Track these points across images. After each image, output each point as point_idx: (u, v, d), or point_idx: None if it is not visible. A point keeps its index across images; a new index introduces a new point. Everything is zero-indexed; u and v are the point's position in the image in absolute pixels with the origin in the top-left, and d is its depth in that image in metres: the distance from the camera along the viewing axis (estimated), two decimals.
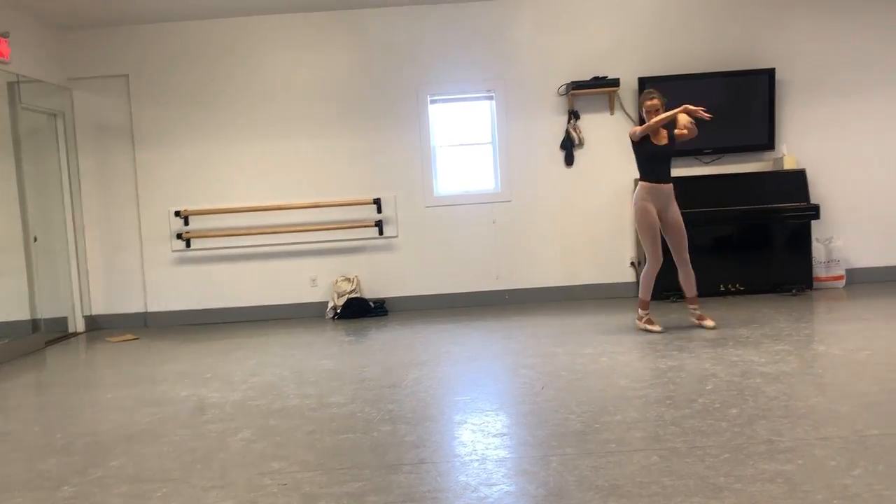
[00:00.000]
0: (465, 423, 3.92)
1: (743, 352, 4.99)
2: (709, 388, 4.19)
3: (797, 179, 7.25)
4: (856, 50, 7.42)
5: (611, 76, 7.37)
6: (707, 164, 7.48)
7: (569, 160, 7.58)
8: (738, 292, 7.14)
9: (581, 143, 7.55)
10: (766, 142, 7.37)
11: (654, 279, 5.79)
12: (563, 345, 5.57)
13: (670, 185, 5.70)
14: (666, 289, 7.21)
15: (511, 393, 4.46)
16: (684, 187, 7.35)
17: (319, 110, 7.58)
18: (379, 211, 7.57)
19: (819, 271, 7.28)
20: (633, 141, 5.67)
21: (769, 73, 7.29)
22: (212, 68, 7.57)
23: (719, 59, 7.42)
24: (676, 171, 7.46)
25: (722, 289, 7.16)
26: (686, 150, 7.36)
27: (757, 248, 7.20)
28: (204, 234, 7.58)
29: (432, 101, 7.63)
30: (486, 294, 7.63)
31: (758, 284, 7.13)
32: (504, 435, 3.68)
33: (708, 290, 7.15)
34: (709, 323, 5.81)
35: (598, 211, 7.60)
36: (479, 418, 3.94)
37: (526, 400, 4.25)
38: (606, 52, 7.48)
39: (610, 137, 7.55)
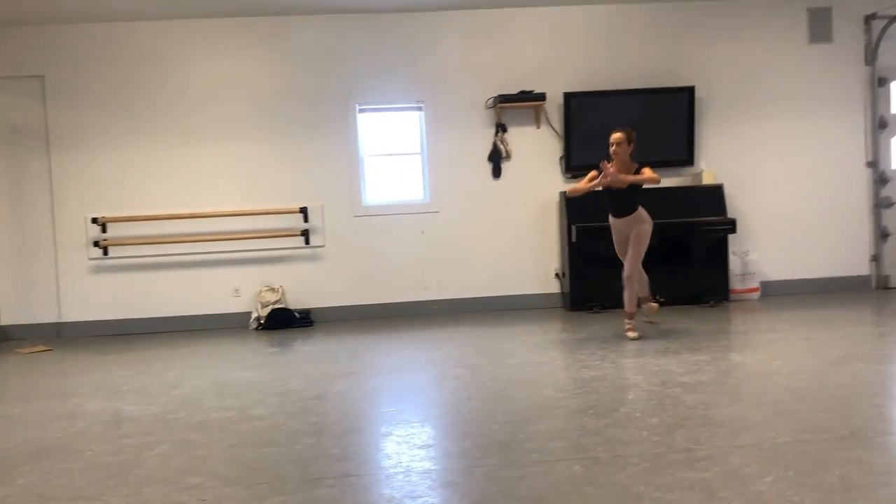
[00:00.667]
0: (391, 434, 3.88)
1: (663, 361, 5.11)
2: (630, 397, 4.27)
3: (715, 194, 7.49)
4: (769, 71, 7.74)
5: (537, 91, 7.48)
6: None
7: (496, 172, 7.65)
8: (659, 303, 7.30)
9: (508, 156, 7.63)
10: (686, 157, 7.60)
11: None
12: (489, 355, 5.59)
13: (623, 219, 5.86)
14: (589, 299, 7.34)
15: (437, 404, 4.45)
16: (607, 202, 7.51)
17: (245, 117, 7.45)
18: (306, 220, 7.48)
19: (735, 283, 7.53)
20: None
21: (689, 92, 7.52)
22: (134, 71, 7.36)
23: (643, 77, 7.62)
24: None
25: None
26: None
27: (677, 260, 7.40)
28: (123, 242, 7.34)
29: (361, 110, 7.60)
30: (414, 304, 7.61)
31: (678, 295, 7.32)
32: (429, 446, 3.66)
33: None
34: (632, 334, 5.94)
35: (525, 222, 7.70)
36: (405, 430, 3.92)
37: (451, 411, 4.24)
38: (533, 66, 7.59)
39: (536, 151, 7.66)
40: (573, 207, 7.44)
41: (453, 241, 7.65)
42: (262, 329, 7.23)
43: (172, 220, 7.37)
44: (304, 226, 7.47)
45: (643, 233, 5.83)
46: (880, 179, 7.85)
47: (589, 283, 7.39)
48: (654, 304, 6.30)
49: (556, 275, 7.72)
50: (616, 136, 5.73)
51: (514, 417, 4.00)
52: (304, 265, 7.56)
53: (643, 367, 5.00)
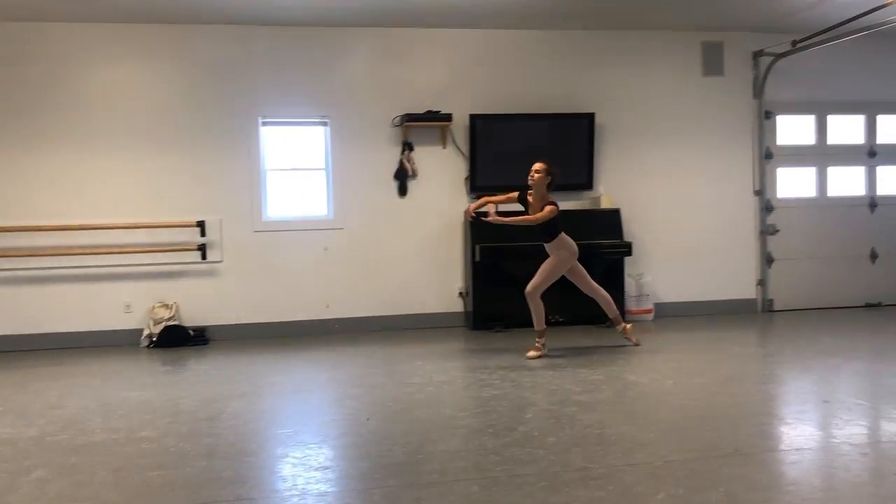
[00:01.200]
0: (287, 456, 3.79)
1: (561, 381, 5.19)
2: (529, 416, 4.31)
3: (612, 218, 7.71)
4: (666, 101, 8.05)
5: (444, 111, 7.54)
6: None
7: (402, 190, 7.64)
8: (557, 323, 7.43)
9: (414, 175, 7.64)
10: (586, 182, 7.79)
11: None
12: (390, 375, 5.55)
13: (546, 245, 6.06)
14: (491, 318, 7.40)
15: (335, 424, 4.37)
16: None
17: (142, 126, 7.19)
18: (203, 234, 7.25)
19: (631, 305, 7.76)
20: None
21: (590, 118, 7.74)
22: (22, 74, 6.99)
23: (547, 102, 7.78)
24: (503, 206, 7.72)
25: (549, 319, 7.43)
26: (513, 187, 7.60)
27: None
28: (7, 254, 6.92)
29: (264, 123, 7.45)
30: (315, 323, 7.49)
31: (577, 316, 7.47)
32: (326, 468, 3.59)
33: (529, 320, 7.38)
34: (532, 353, 6.01)
35: (430, 241, 7.71)
36: (301, 451, 3.82)
37: (350, 431, 4.18)
38: (440, 87, 7.65)
39: (442, 170, 7.70)
40: (477, 227, 7.49)
41: (357, 259, 7.58)
42: (154, 347, 6.95)
43: (61, 232, 7.00)
44: (201, 240, 7.24)
45: (556, 260, 6.01)
46: (766, 207, 8.27)
47: (492, 303, 7.46)
48: (626, 325, 6.38)
49: (460, 294, 7.75)
50: (537, 165, 5.93)
51: (414, 438, 3.97)
52: (200, 281, 7.32)
53: (542, 386, 5.07)
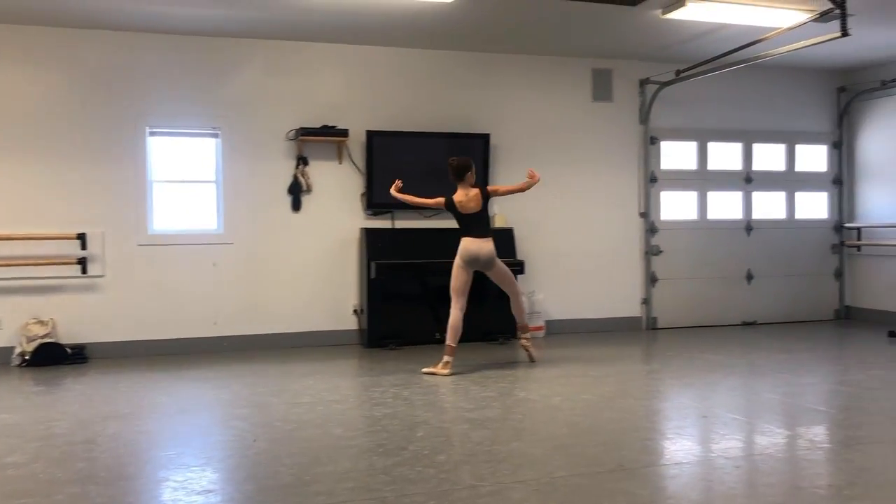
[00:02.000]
0: (167, 480, 3.63)
1: (454, 398, 5.21)
2: (419, 434, 4.30)
3: (506, 237, 7.83)
4: (558, 124, 8.27)
5: (340, 126, 7.48)
6: (428, 217, 7.82)
7: (296, 205, 7.52)
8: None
9: (309, 189, 7.54)
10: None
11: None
12: (279, 394, 5.42)
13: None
14: (386, 336, 7.36)
15: (220, 446, 4.23)
16: (406, 240, 7.64)
17: (19, 132, 6.79)
18: (83, 247, 6.90)
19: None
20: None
21: (485, 139, 7.86)
22: None
23: (443, 121, 7.86)
24: (399, 223, 7.75)
25: (437, 337, 7.44)
26: (409, 205, 7.63)
27: (469, 299, 7.60)
28: None
29: (152, 134, 7.19)
30: (202, 341, 7.24)
31: (470, 333, 7.49)
32: (209, 492, 3.46)
33: (423, 338, 7.43)
34: (441, 364, 6.05)
35: (324, 257, 7.61)
36: (183, 475, 3.68)
37: (236, 453, 4.05)
38: (337, 102, 7.59)
39: (338, 186, 7.63)
40: (373, 244, 7.47)
41: (247, 275, 7.39)
42: (27, 366, 6.54)
43: None
44: (82, 253, 6.89)
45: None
46: (650, 229, 8.61)
47: (387, 320, 7.42)
48: (526, 343, 6.54)
49: (355, 311, 7.68)
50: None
51: (303, 459, 3.89)
52: (79, 296, 6.96)
53: (434, 403, 5.07)
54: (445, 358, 6.02)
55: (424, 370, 6.05)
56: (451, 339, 6.08)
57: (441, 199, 6.22)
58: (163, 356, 6.98)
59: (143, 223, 7.11)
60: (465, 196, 6.17)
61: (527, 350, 6.53)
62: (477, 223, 6.17)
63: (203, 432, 4.59)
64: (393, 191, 6.36)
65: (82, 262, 6.87)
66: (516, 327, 6.62)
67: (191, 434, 4.54)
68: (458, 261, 6.15)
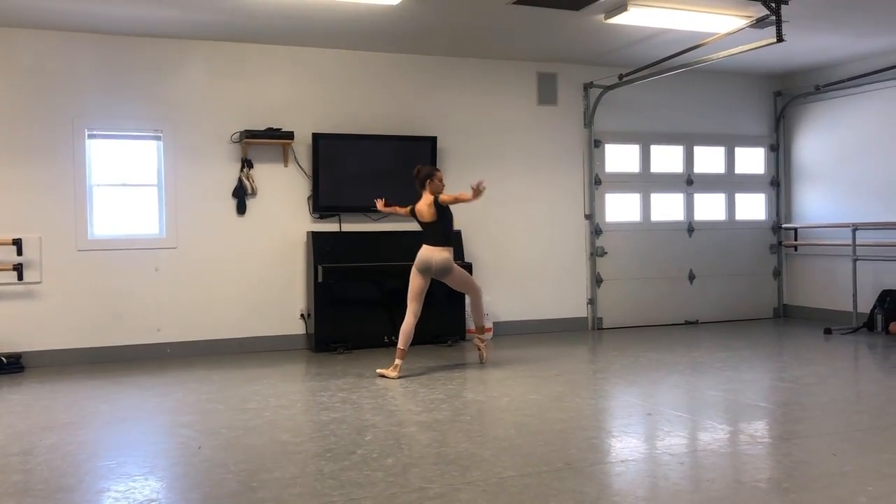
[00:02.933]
0: (108, 490, 3.55)
1: (402, 401, 5.20)
2: (368, 438, 4.28)
3: (454, 239, 7.84)
4: (504, 127, 8.33)
5: (286, 128, 7.41)
6: (375, 220, 7.80)
7: (241, 208, 7.42)
8: (395, 344, 7.44)
9: (254, 192, 7.44)
10: None
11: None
12: (225, 400, 5.34)
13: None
14: (334, 340, 7.31)
15: (164, 455, 4.15)
16: (353, 243, 7.60)
17: None
18: (19, 253, 6.69)
19: (470, 323, 7.89)
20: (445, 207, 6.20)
21: (432, 141, 7.87)
22: None
23: (391, 124, 7.84)
24: (346, 227, 7.71)
25: (386, 340, 7.43)
26: (356, 208, 7.62)
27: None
28: None
29: (91, 136, 7.01)
30: (145, 347, 7.08)
31: (418, 335, 7.47)
32: (153, 501, 3.39)
33: (372, 341, 7.40)
34: (392, 367, 6.05)
35: (271, 261, 7.52)
36: (125, 485, 3.59)
37: (180, 461, 3.98)
38: (282, 104, 7.52)
39: (284, 189, 7.55)
40: (320, 247, 7.41)
41: (191, 280, 7.26)
42: None
43: None
44: (18, 259, 6.68)
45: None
46: (595, 231, 8.73)
47: (335, 324, 7.37)
48: (479, 343, 6.65)
49: (302, 315, 7.61)
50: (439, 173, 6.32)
51: (249, 465, 3.84)
52: (15, 303, 6.74)
53: (382, 407, 5.05)
54: (396, 361, 6.01)
55: (379, 371, 6.05)
56: (402, 342, 6.08)
57: (409, 208, 6.33)
58: (104, 364, 6.81)
59: (83, 228, 6.93)
60: (423, 204, 6.21)
61: (479, 350, 6.62)
62: (432, 232, 6.19)
63: (146, 441, 4.49)
64: (381, 208, 6.61)
65: (18, 269, 6.65)
66: (474, 328, 6.74)
67: (133, 443, 4.44)
68: (413, 267, 6.18)
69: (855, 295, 8.22)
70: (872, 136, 8.48)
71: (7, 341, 6.66)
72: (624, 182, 8.91)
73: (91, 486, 3.64)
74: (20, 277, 6.69)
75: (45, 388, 5.84)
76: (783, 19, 6.21)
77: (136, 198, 7.21)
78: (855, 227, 8.24)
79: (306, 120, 7.56)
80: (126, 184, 7.18)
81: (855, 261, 8.22)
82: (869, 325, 8.09)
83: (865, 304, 8.23)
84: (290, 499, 3.35)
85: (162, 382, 6.04)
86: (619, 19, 6.54)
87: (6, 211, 6.71)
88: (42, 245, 6.80)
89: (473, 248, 8.12)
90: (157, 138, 7.20)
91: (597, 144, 8.74)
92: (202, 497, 3.42)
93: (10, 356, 6.57)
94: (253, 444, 4.23)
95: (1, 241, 6.63)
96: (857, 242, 8.24)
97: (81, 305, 6.92)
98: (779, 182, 9.61)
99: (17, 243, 6.67)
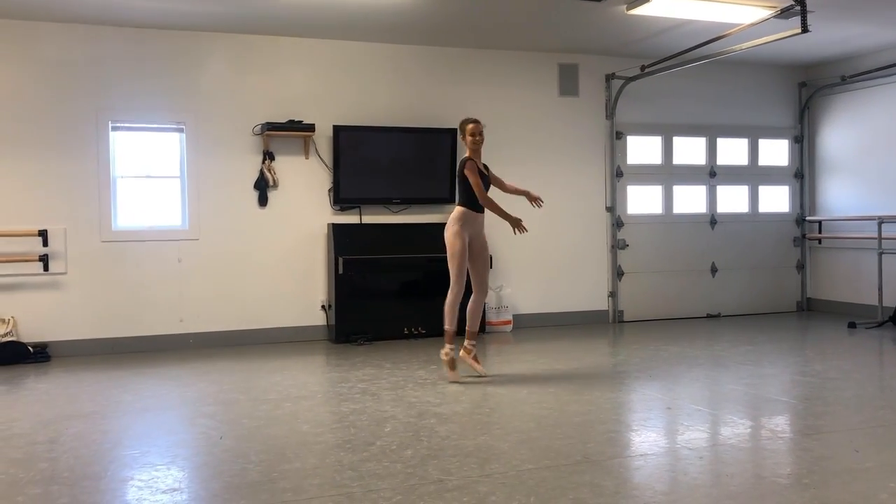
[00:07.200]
0: (132, 479, 3.60)
1: (421, 393, 5.22)
2: (387, 430, 4.31)
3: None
4: (524, 119, 8.30)
5: (307, 121, 7.44)
6: (395, 212, 7.82)
7: (262, 200, 7.47)
8: (419, 335, 7.48)
9: (276, 185, 7.49)
10: (448, 196, 7.88)
11: (456, 307, 5.59)
12: (247, 391, 5.39)
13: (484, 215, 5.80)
14: (354, 332, 7.34)
15: (186, 444, 4.20)
16: (374, 235, 7.63)
17: None
18: (45, 244, 6.78)
19: (491, 316, 7.92)
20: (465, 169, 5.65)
21: (452, 133, 7.85)
22: None
23: (410, 116, 7.84)
24: (367, 219, 7.73)
25: (406, 332, 7.47)
26: (376, 199, 7.65)
27: (437, 293, 7.60)
28: None
29: (114, 128, 7.09)
30: (168, 338, 7.17)
31: (438, 328, 7.49)
32: (175, 490, 3.44)
33: (392, 333, 7.43)
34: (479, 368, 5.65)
35: (291, 253, 7.56)
36: (149, 474, 3.64)
37: (202, 451, 4.03)
38: (304, 96, 7.54)
39: (304, 181, 7.59)
40: (341, 239, 7.44)
41: (213, 271, 7.33)
42: None
43: None
44: (43, 250, 6.77)
45: (485, 241, 5.89)
46: (616, 223, 8.69)
47: (355, 316, 7.41)
48: (468, 355, 5.68)
49: (323, 307, 7.65)
50: (480, 126, 5.76)
51: (269, 456, 3.88)
52: (41, 294, 6.84)
53: (401, 398, 5.08)
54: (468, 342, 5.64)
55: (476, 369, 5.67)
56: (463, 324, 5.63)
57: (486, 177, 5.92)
58: (127, 354, 6.90)
59: (107, 219, 7.01)
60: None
61: (473, 364, 5.65)
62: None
63: (169, 430, 4.54)
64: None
65: (44, 260, 6.75)
66: (467, 332, 5.71)
67: (156, 432, 4.50)
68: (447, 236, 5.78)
69: (880, 288, 8.11)
70: None
71: (33, 331, 6.77)
72: (646, 174, 8.85)
73: (116, 474, 3.69)
74: (46, 268, 6.78)
75: (70, 378, 5.93)
76: (808, 9, 6.13)
77: (158, 189, 7.28)
78: (881, 220, 8.13)
79: (327, 112, 7.58)
80: (149, 175, 7.25)
81: (881, 254, 8.12)
82: (894, 319, 7.99)
83: (891, 298, 8.12)
84: (309, 489, 3.39)
85: (184, 373, 6.11)
86: (642, 10, 6.49)
87: (32, 202, 6.80)
88: (67, 236, 6.89)
89: (493, 240, 8.08)
90: (180, 130, 7.26)
91: (618, 136, 8.68)
92: (223, 486, 3.46)
93: (36, 346, 6.68)
94: (273, 434, 4.28)
95: (27, 232, 6.73)
96: (883, 236, 8.13)
97: (105, 296, 7.00)
98: (803, 174, 9.50)
99: (43, 234, 6.77)
